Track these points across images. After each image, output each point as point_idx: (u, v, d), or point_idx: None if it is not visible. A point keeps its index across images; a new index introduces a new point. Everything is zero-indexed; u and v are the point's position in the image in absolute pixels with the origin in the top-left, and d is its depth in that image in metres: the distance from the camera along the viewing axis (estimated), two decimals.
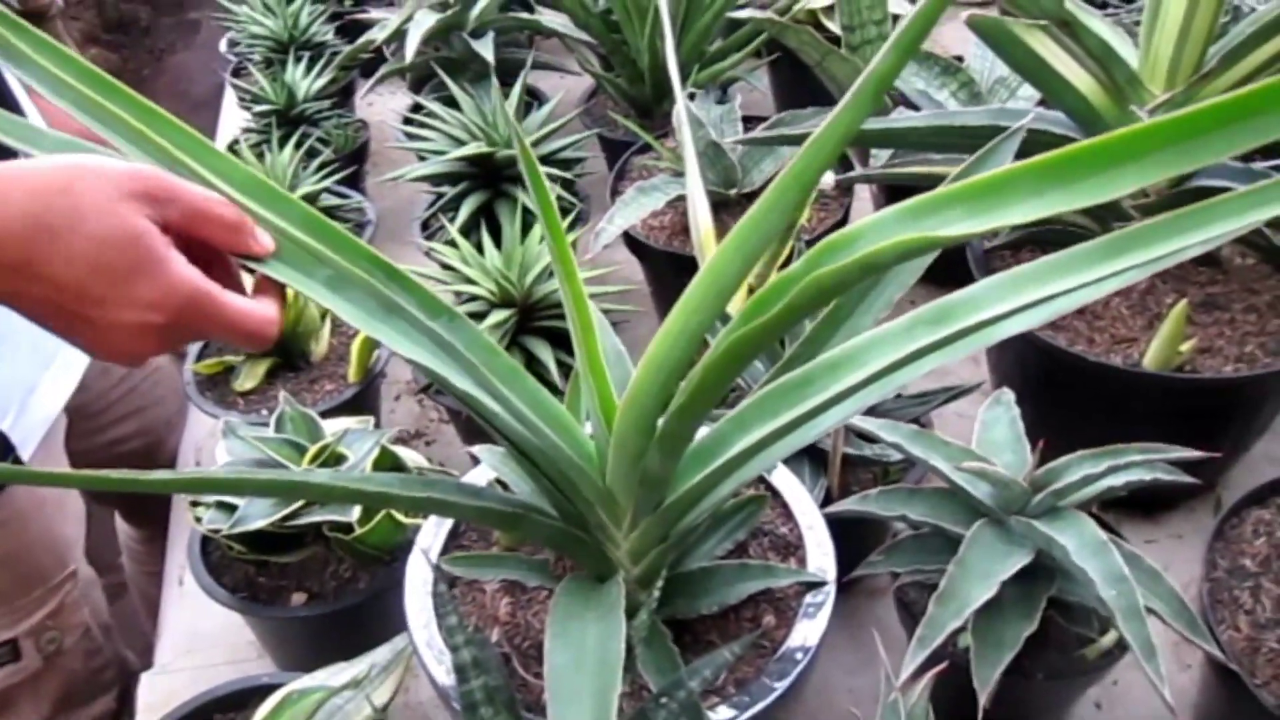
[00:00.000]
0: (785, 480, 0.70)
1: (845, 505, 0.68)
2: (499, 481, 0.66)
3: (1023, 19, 0.75)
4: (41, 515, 0.88)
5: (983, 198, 0.40)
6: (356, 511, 0.71)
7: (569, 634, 0.52)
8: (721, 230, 1.00)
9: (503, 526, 0.62)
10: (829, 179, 0.88)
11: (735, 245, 0.45)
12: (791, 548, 0.67)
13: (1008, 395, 0.72)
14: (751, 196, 1.01)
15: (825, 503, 0.76)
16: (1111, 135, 0.37)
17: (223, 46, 1.40)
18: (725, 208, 1.00)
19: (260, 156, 1.04)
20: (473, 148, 0.97)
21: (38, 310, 0.47)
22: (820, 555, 0.64)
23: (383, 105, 1.45)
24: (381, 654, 0.67)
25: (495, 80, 1.01)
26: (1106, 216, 0.80)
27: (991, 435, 0.69)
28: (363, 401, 0.94)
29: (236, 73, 1.34)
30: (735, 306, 0.86)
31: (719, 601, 0.62)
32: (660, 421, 0.52)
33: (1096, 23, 0.76)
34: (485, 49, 1.08)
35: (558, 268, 0.50)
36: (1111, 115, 0.77)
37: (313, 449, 0.75)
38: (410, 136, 1.05)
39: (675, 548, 0.62)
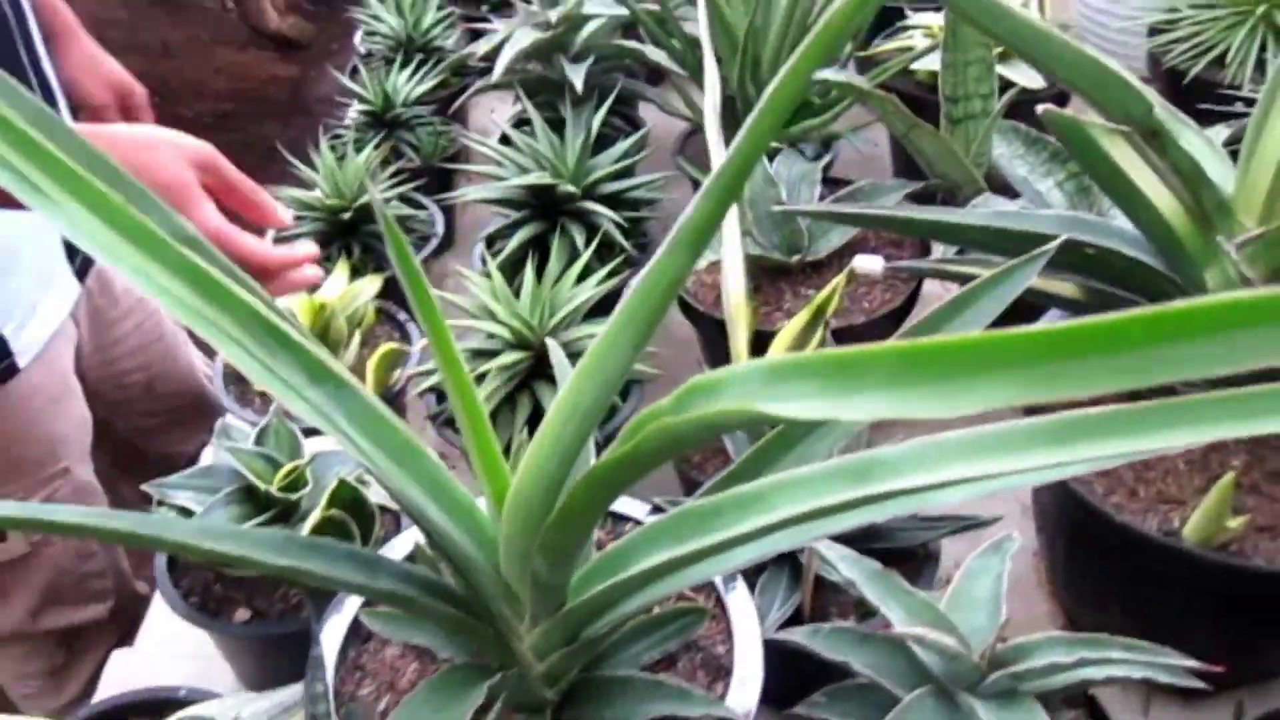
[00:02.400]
0: (739, 597, 0.64)
1: (789, 637, 0.62)
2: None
3: (1103, 121, 0.67)
4: (29, 407, 0.94)
5: (837, 377, 0.34)
6: (304, 534, 0.70)
7: None
8: (773, 299, 0.94)
9: (393, 605, 0.59)
10: (878, 265, 0.81)
11: (588, 373, 0.41)
12: (722, 671, 0.61)
13: (1010, 544, 0.64)
14: (817, 266, 0.95)
15: (795, 620, 0.70)
16: (977, 338, 0.30)
17: (358, 39, 1.42)
18: (785, 275, 0.94)
19: (341, 158, 1.05)
20: (534, 177, 0.95)
21: None
22: (744, 690, 0.58)
23: (501, 117, 1.44)
24: (291, 692, 0.65)
25: (569, 110, 0.98)
26: None
27: (971, 589, 0.61)
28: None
29: (356, 70, 1.36)
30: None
31: (623, 718, 0.57)
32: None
33: (1190, 136, 0.67)
34: (576, 75, 1.05)
35: (432, 345, 0.46)
36: (1194, 244, 0.67)
37: (285, 468, 0.74)
38: (488, 158, 1.03)
39: (586, 651, 0.57)
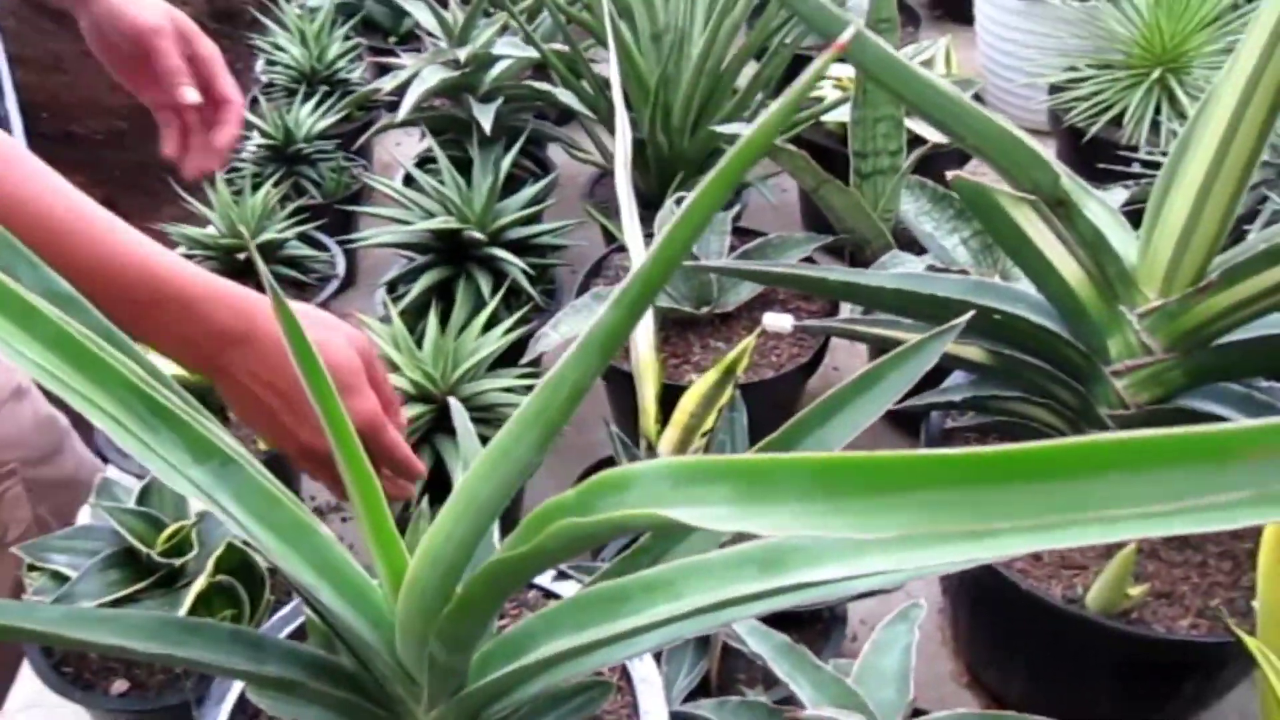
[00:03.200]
0: (644, 670, 0.62)
1: (695, 711, 0.60)
2: None
3: (1010, 189, 0.67)
4: None
5: (751, 485, 0.33)
6: (185, 607, 0.66)
7: None
8: (682, 351, 0.93)
9: (281, 691, 0.55)
10: (788, 323, 0.80)
11: (487, 468, 0.39)
12: None
13: (917, 612, 0.63)
14: (726, 318, 0.94)
15: (703, 689, 0.69)
16: (897, 456, 0.29)
17: (259, 68, 1.38)
18: (695, 327, 0.93)
19: (239, 193, 1.01)
20: (439, 222, 0.92)
21: (259, 387, 0.61)
22: None
23: (407, 151, 1.41)
24: None
25: (477, 151, 0.95)
26: (1079, 420, 0.71)
27: (880, 662, 0.60)
28: (276, 467, 0.88)
29: (256, 101, 1.32)
30: (668, 445, 0.79)
31: None
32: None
33: (1095, 206, 0.68)
34: (484, 116, 1.03)
35: (326, 423, 0.44)
36: (1098, 313, 0.68)
37: (169, 529, 0.70)
38: (392, 198, 1.00)
39: None
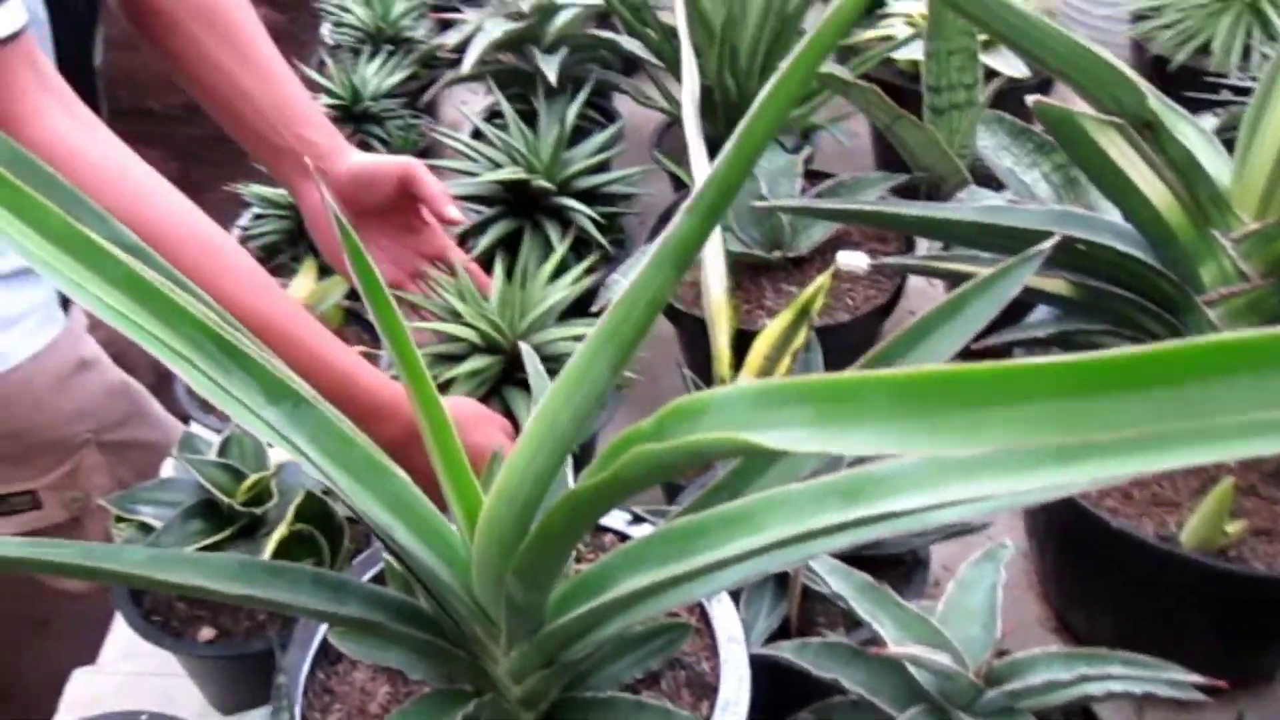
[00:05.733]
0: (723, 611, 0.62)
1: (778, 652, 0.60)
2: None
3: (1094, 113, 0.64)
4: (28, 395, 0.91)
5: (832, 405, 0.31)
6: (266, 555, 0.67)
7: None
8: (754, 296, 0.92)
9: (362, 631, 0.56)
10: (863, 261, 0.78)
11: (564, 393, 0.38)
12: (707, 690, 0.59)
13: (1003, 552, 0.62)
14: (799, 262, 0.92)
15: (782, 633, 0.68)
16: (988, 368, 0.28)
17: (325, 31, 1.38)
18: (767, 271, 0.91)
19: None
20: (507, 172, 0.92)
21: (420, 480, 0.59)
22: (730, 713, 0.56)
23: (473, 109, 1.41)
24: (256, 717, 0.63)
25: (543, 102, 0.95)
26: (1176, 320, 0.67)
27: (966, 600, 0.59)
28: None
29: (323, 63, 1.32)
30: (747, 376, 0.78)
31: None
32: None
33: (1185, 127, 0.64)
34: (550, 66, 1.02)
35: (399, 364, 0.44)
36: (1189, 238, 0.65)
37: (250, 480, 0.71)
38: (459, 152, 1.00)
39: (564, 673, 0.55)
